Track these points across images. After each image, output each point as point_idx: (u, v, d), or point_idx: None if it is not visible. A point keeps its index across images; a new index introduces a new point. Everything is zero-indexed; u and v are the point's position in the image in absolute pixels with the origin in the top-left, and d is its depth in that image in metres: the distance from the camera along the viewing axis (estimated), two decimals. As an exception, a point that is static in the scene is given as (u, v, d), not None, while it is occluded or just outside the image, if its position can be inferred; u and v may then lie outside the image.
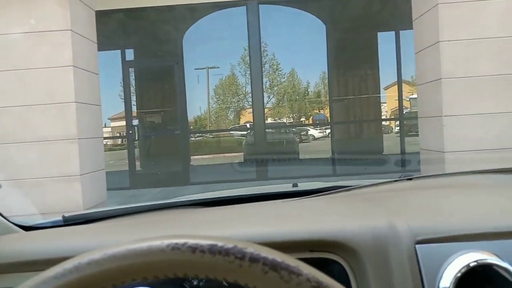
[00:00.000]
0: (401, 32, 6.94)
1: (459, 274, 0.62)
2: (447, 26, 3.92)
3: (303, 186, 1.16)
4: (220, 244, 0.37)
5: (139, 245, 0.37)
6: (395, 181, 1.07)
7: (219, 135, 9.48)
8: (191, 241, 0.37)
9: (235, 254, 0.36)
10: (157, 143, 7.44)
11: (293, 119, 10.24)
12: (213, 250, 0.37)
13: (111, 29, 6.98)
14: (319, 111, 10.10)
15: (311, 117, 10.54)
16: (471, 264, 0.62)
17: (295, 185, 1.19)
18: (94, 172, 4.17)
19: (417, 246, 0.65)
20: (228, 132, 9.53)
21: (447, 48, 3.94)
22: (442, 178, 1.12)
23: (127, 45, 7.17)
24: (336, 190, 1.00)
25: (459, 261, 0.63)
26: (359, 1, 6.90)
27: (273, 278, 0.36)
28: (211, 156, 8.63)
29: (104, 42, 6.62)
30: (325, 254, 0.68)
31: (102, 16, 5.09)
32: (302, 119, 10.56)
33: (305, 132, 10.56)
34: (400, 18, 5.94)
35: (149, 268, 0.37)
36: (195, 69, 7.97)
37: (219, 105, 9.83)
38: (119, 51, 6.99)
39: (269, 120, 9.63)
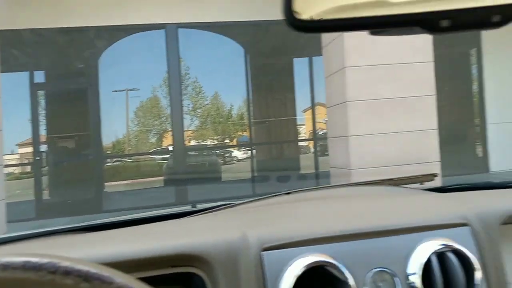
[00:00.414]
0: (314, 58, 7.41)
1: (297, 275, 0.68)
2: (351, 53, 4.28)
3: (201, 206, 1.20)
4: (33, 260, 0.38)
5: None
6: (275, 195, 1.13)
7: (139, 159, 9.20)
8: (4, 259, 0.38)
9: (47, 269, 0.38)
10: (69, 170, 7.02)
11: (218, 141, 10.30)
12: (26, 267, 0.38)
13: (20, 49, 6.56)
14: (242, 133, 10.29)
15: (235, 139, 10.68)
16: (308, 266, 0.68)
17: (193, 205, 1.22)
18: (-5, 202, 3.83)
19: (263, 253, 0.70)
20: (149, 156, 9.29)
21: (351, 74, 4.29)
22: (316, 191, 1.22)
23: (37, 67, 6.76)
24: (221, 207, 1.04)
25: (298, 263, 0.69)
26: (276, 28, 7.26)
27: None
28: (129, 181, 8.32)
29: (12, 63, 6.20)
30: (188, 268, 0.71)
31: (9, 36, 4.78)
32: (226, 141, 10.65)
33: (229, 154, 10.66)
34: (312, 45, 6.35)
35: None
36: (114, 91, 7.73)
37: (140, 128, 9.59)
38: (27, 72, 6.57)
39: (193, 143, 9.58)
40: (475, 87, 7.75)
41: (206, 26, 6.81)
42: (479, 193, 1.07)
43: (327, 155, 7.68)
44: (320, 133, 8.16)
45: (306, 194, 1.19)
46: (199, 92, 9.16)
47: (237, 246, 0.71)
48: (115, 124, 8.39)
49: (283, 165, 8.08)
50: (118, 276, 0.39)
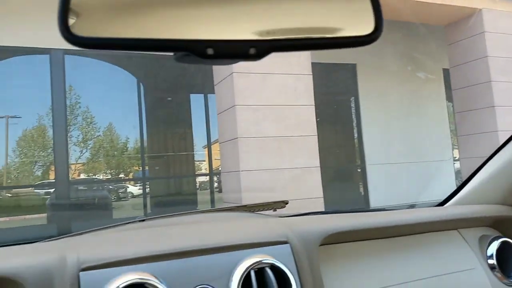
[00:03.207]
0: (208, 95, 7.58)
1: None
2: (240, 92, 4.48)
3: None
4: None
5: None
6: (128, 223, 1.13)
7: (20, 194, 8.29)
8: None
9: None
10: None
11: (111, 175, 9.74)
12: None
13: None
14: (139, 168, 9.91)
15: (131, 174, 10.22)
16: (126, 283, 0.69)
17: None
18: None
19: (81, 273, 0.70)
20: (31, 191, 8.42)
21: (241, 111, 4.47)
22: (172, 218, 1.23)
23: None
24: (62, 237, 1.00)
25: (117, 282, 0.70)
26: (172, 62, 7.31)
27: None
28: (7, 218, 7.41)
29: None
30: None
31: None
32: (121, 175, 10.14)
33: (124, 189, 10.13)
34: (208, 82, 6.52)
35: None
36: (-10, 117, 6.97)
37: (22, 159, 8.70)
38: None
39: (82, 176, 8.94)
40: (355, 131, 8.57)
41: (95, 54, 6.58)
42: (307, 217, 1.16)
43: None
44: (219, 168, 8.23)
45: (160, 221, 1.19)
46: (91, 123, 8.69)
47: (53, 267, 0.70)
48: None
49: (179, 200, 7.92)
50: None
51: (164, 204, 7.55)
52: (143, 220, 1.15)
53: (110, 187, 9.05)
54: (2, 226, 7.17)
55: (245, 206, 1.36)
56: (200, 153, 8.76)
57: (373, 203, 8.16)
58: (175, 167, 8.50)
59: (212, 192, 7.76)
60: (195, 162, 8.97)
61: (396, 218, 1.05)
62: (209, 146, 7.89)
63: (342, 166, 8.75)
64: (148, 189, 7.94)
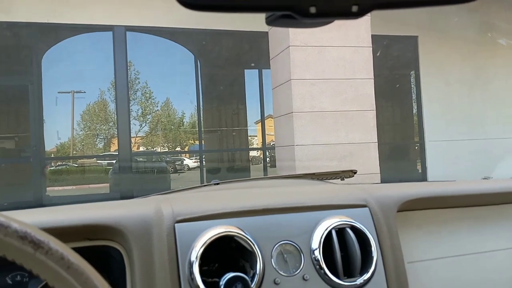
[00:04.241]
0: (263, 70, 7.55)
1: (206, 244, 0.73)
2: (296, 66, 4.41)
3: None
4: None
5: None
6: (204, 185, 1.20)
7: (84, 164, 8.86)
8: None
9: None
10: (7, 172, 6.63)
11: (168, 149, 10.14)
12: None
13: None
14: (194, 142, 10.21)
15: (187, 147, 10.57)
16: (217, 236, 0.74)
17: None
18: None
19: (176, 225, 0.75)
20: (95, 162, 8.98)
21: (296, 86, 4.42)
22: (243, 182, 1.29)
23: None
24: (152, 195, 1.09)
25: (208, 234, 0.75)
26: (228, 39, 7.33)
27: None
28: (74, 187, 7.97)
29: None
30: (103, 241, 0.74)
31: None
32: (177, 149, 10.52)
33: (180, 162, 10.52)
34: (262, 57, 6.49)
35: None
36: (59, 92, 7.43)
37: (86, 132, 9.26)
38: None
39: (142, 149, 9.37)
40: (415, 106, 8.21)
41: (156, 30, 6.75)
42: (384, 184, 1.17)
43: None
44: (272, 144, 8.27)
45: (233, 185, 1.28)
46: (149, 98, 9.02)
47: (151, 219, 0.75)
48: (60, 127, 8.06)
49: (233, 174, 8.09)
50: (16, 223, 0.42)
51: (220, 177, 7.75)
52: (218, 184, 1.21)
53: (167, 159, 9.42)
54: (69, 193, 7.74)
55: (313, 174, 1.37)
56: (252, 128, 8.84)
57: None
58: (228, 141, 8.65)
59: (265, 166, 7.85)
60: (248, 137, 9.07)
61: (475, 187, 1.03)
62: (262, 121, 7.93)
63: (400, 142, 8.47)
64: (204, 162, 8.17)
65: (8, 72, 6.60)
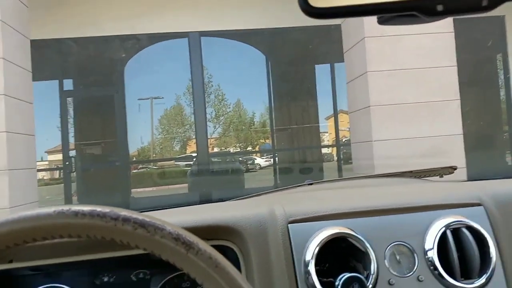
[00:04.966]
0: (335, 64, 7.40)
1: (321, 244, 0.74)
2: (373, 58, 4.26)
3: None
4: (98, 209, 0.45)
5: (30, 212, 0.44)
6: (298, 186, 1.20)
7: (164, 166, 9.35)
8: (75, 207, 0.45)
9: (110, 216, 0.44)
10: (96, 176, 7.21)
11: (240, 149, 10.37)
12: (92, 214, 0.44)
13: (50, 58, 6.83)
14: (265, 141, 10.33)
15: (258, 146, 10.73)
16: (331, 236, 0.75)
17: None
18: (26, 205, 3.97)
19: (289, 225, 0.77)
20: (173, 163, 9.44)
21: (373, 78, 4.27)
22: (337, 182, 1.27)
23: (65, 75, 7.02)
24: (250, 196, 1.12)
25: (322, 234, 0.75)
26: (297, 35, 7.29)
27: (142, 233, 0.44)
28: (155, 188, 8.45)
29: (42, 71, 6.45)
30: (221, 241, 0.77)
31: (39, 46, 4.98)
32: (248, 148, 10.72)
33: (251, 161, 10.71)
34: (334, 51, 6.36)
35: (37, 231, 0.44)
36: (139, 99, 7.92)
37: (164, 135, 9.77)
38: (57, 81, 6.83)
39: (216, 150, 9.67)
40: (502, 92, 7.56)
41: (228, 34, 6.91)
42: (496, 181, 1.10)
43: (351, 162, 7.63)
44: (343, 140, 8.08)
45: (327, 185, 1.28)
46: (222, 100, 9.29)
47: (266, 219, 0.78)
48: (141, 132, 8.59)
49: (307, 171, 8.04)
50: (169, 225, 0.46)
51: (294, 176, 7.74)
52: (311, 184, 1.21)
53: (240, 159, 9.62)
54: (150, 194, 8.20)
55: (410, 172, 1.32)
56: (322, 125, 8.72)
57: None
58: (299, 139, 8.60)
59: (339, 164, 7.69)
60: (320, 133, 8.96)
61: None
62: (335, 117, 7.78)
63: (487, 132, 7.85)
64: (276, 160, 8.22)
65: (96, 83, 7.18)
